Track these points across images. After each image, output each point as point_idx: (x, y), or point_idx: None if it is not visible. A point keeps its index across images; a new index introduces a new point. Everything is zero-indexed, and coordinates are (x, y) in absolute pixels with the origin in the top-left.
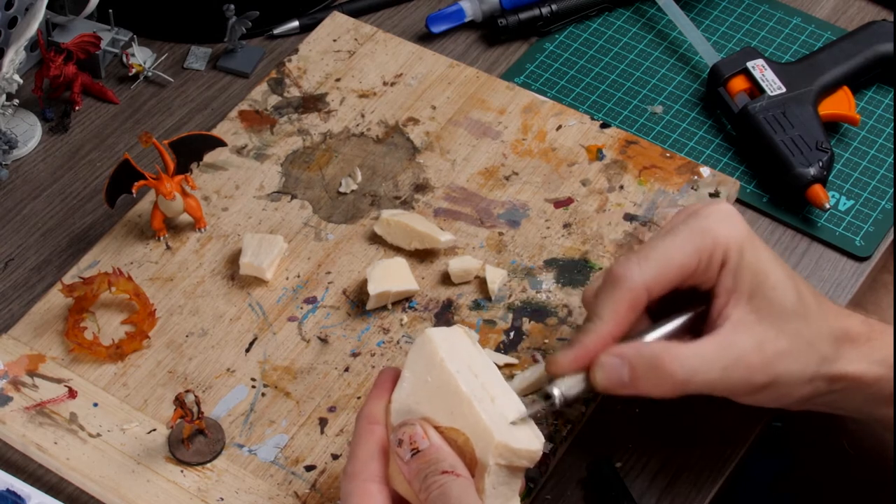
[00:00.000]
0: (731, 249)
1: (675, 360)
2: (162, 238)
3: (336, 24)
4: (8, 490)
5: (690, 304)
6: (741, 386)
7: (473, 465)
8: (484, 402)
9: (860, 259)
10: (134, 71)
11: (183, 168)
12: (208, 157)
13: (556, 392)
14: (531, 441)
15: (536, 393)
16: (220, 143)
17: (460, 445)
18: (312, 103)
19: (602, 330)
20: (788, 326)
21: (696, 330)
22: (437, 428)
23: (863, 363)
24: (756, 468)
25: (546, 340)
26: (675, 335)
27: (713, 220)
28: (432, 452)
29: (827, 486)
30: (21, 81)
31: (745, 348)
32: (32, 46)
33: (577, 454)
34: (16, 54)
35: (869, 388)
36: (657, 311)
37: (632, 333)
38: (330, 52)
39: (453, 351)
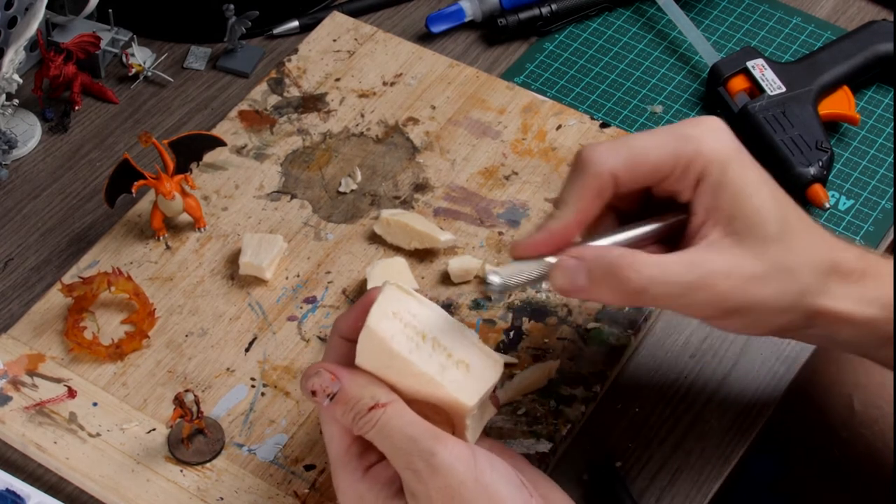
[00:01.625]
0: (713, 163)
1: (632, 266)
2: (162, 238)
3: (336, 23)
4: (7, 490)
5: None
6: (705, 307)
7: (450, 419)
8: (445, 369)
9: None
10: (134, 71)
11: (183, 168)
12: (208, 157)
13: (495, 279)
14: (492, 369)
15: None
16: (219, 142)
17: (436, 407)
18: (312, 103)
19: (566, 215)
20: (767, 251)
21: (673, 245)
22: (410, 400)
23: (849, 301)
24: (756, 468)
25: (546, 340)
26: (648, 245)
27: (700, 130)
28: (348, 392)
29: (826, 487)
30: (21, 81)
31: (713, 269)
32: (32, 46)
33: (577, 454)
34: (16, 54)
35: (859, 327)
36: (634, 218)
37: (601, 232)
38: (330, 51)
39: (398, 327)
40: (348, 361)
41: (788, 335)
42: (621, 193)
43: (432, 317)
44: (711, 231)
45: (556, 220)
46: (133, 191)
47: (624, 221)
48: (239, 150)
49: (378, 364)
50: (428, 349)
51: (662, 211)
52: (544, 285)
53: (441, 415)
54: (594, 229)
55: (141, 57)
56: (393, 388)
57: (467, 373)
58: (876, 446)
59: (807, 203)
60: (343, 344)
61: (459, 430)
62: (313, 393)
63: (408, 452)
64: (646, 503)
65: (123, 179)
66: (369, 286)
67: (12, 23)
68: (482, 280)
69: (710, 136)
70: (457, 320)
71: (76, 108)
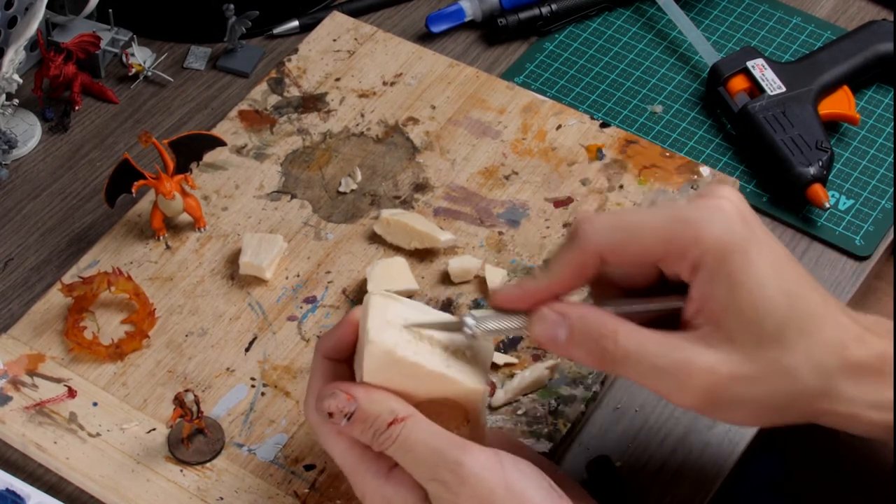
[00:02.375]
0: (710, 253)
1: (611, 336)
2: (162, 238)
3: (336, 23)
4: (8, 490)
5: (678, 292)
6: (682, 396)
7: (462, 410)
8: (450, 362)
9: (860, 258)
10: (134, 71)
11: (183, 168)
12: (208, 157)
13: (468, 320)
14: (485, 348)
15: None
16: (219, 142)
17: (447, 402)
18: (312, 103)
19: (543, 282)
20: (760, 351)
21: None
22: (419, 403)
23: (859, 405)
24: (756, 468)
25: None
26: (651, 320)
27: (704, 213)
28: (366, 410)
29: (827, 487)
30: (21, 81)
31: (692, 360)
32: (32, 46)
33: (577, 454)
34: (15, 54)
35: (871, 427)
36: (645, 288)
37: (598, 302)
38: (330, 51)
39: (397, 334)
40: (335, 380)
41: (799, 423)
42: (625, 269)
43: (419, 314)
44: (704, 323)
45: (533, 281)
46: (133, 191)
47: (633, 295)
48: (239, 150)
49: (388, 375)
50: (427, 347)
51: (676, 287)
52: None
53: (453, 409)
54: (599, 300)
55: (141, 57)
56: (403, 396)
57: (467, 358)
58: (876, 446)
59: (807, 203)
60: (328, 364)
61: (474, 417)
62: (330, 415)
63: (433, 464)
64: (646, 503)
65: (123, 179)
66: (369, 286)
67: (12, 23)
68: (482, 280)
69: (714, 222)
70: (441, 311)
71: (76, 108)
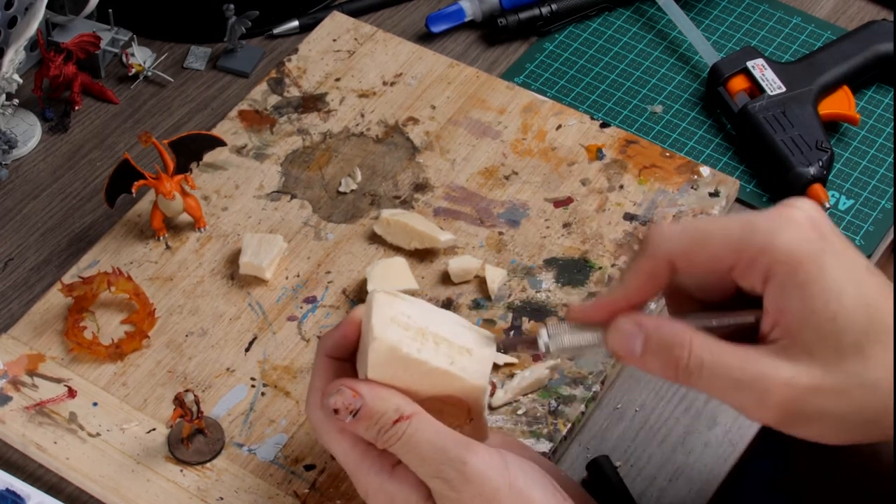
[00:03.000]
0: (781, 263)
1: (686, 345)
2: (162, 238)
3: (336, 23)
4: (8, 490)
5: (756, 306)
6: (759, 410)
7: (464, 407)
8: (453, 359)
9: None
10: (134, 71)
11: (183, 168)
12: (208, 157)
13: (540, 341)
14: (488, 345)
15: (526, 337)
16: (219, 142)
17: (449, 399)
18: (312, 103)
19: (618, 293)
20: (842, 364)
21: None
22: (423, 400)
23: None
24: (756, 468)
25: None
26: (730, 335)
27: (775, 224)
28: (371, 407)
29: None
30: (21, 81)
31: (767, 373)
32: (32, 46)
33: (577, 454)
34: (15, 54)
35: None
36: (723, 301)
37: (675, 316)
38: (330, 51)
39: (401, 332)
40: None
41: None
42: (697, 278)
43: (423, 312)
44: (781, 336)
45: (609, 295)
46: (133, 191)
47: (710, 309)
48: (239, 150)
49: (392, 373)
50: (431, 344)
51: (754, 301)
52: (601, 354)
53: (456, 406)
54: (676, 315)
55: (141, 57)
56: (406, 393)
57: (471, 356)
58: (877, 446)
59: None
60: (331, 363)
61: (477, 414)
62: (335, 411)
63: (437, 462)
64: (646, 503)
65: (123, 179)
66: (369, 286)
67: (12, 23)
68: (482, 280)
69: (784, 231)
70: (444, 309)
71: (76, 108)
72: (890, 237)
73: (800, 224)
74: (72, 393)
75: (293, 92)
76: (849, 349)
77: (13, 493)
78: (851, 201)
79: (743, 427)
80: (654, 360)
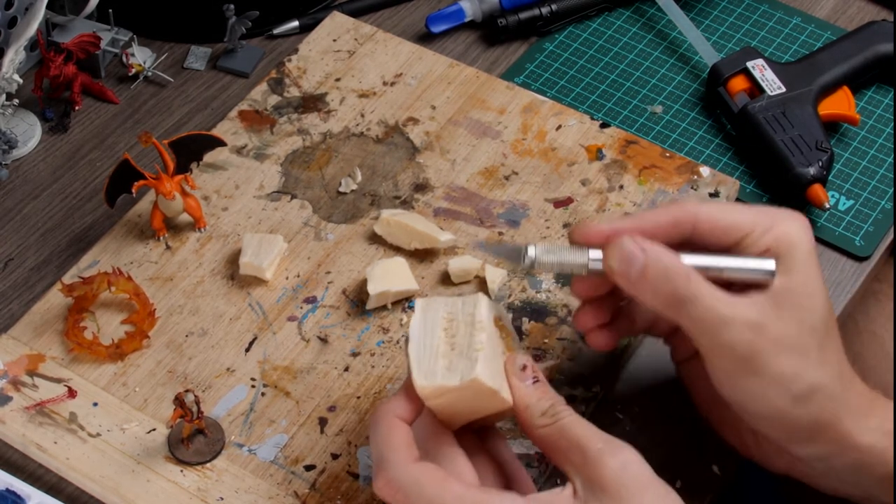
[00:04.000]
0: (781, 240)
1: (685, 276)
2: (162, 238)
3: (336, 23)
4: (8, 490)
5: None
6: (729, 350)
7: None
8: (497, 381)
9: (860, 259)
10: (134, 71)
11: (183, 168)
12: (208, 157)
13: (530, 251)
14: (496, 337)
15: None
16: (219, 142)
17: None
18: (312, 103)
19: (636, 222)
20: (815, 334)
21: None
22: (464, 427)
23: (873, 433)
24: (756, 468)
25: (546, 340)
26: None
27: (783, 214)
28: (548, 385)
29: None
30: (21, 81)
31: (751, 318)
32: (32, 46)
33: None
34: (16, 54)
35: (861, 454)
36: None
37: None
38: (330, 51)
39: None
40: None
41: (803, 446)
42: (701, 234)
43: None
44: (767, 290)
45: (625, 221)
46: (133, 191)
47: None
48: (239, 150)
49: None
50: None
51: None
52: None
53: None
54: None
55: (141, 57)
56: (450, 416)
57: (494, 359)
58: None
59: (807, 203)
60: (404, 427)
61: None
62: (524, 367)
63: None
64: None
65: (123, 179)
66: (369, 286)
67: (12, 23)
68: (482, 280)
69: (790, 220)
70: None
71: (76, 108)
72: (890, 237)
73: (803, 223)
74: (72, 393)
75: (293, 92)
76: (819, 327)
77: (13, 493)
78: (851, 201)
79: None
80: (650, 285)
